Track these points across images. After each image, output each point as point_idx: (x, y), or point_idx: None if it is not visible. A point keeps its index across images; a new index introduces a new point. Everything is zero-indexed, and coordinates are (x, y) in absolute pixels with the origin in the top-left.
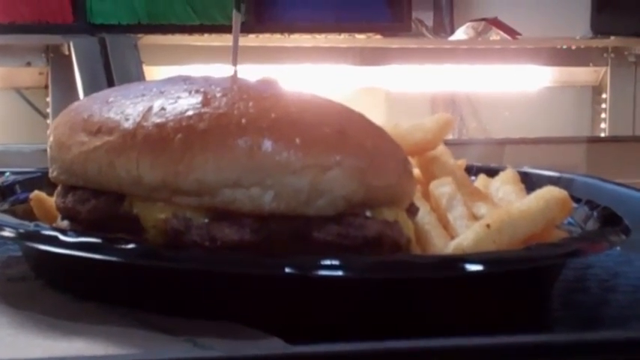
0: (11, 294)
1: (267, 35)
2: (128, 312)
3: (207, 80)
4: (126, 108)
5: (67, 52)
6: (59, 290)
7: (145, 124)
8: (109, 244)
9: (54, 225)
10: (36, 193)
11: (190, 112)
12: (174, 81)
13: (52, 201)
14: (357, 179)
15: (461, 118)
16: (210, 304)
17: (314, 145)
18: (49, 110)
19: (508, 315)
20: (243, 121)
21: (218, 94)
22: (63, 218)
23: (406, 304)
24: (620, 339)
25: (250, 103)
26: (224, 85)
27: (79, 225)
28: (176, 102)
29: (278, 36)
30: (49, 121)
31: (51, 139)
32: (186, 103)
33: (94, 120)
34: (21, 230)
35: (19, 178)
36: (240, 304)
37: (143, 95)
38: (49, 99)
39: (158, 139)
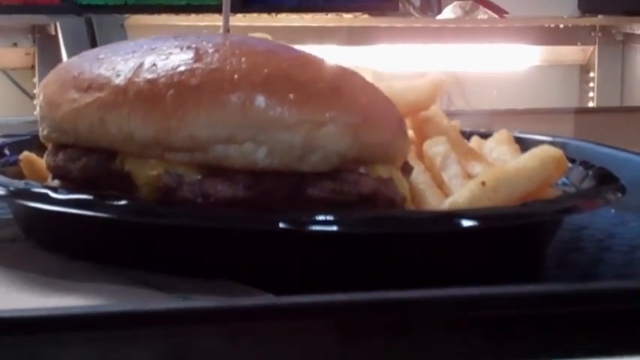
0: (1, 255)
1: (254, 15)
2: (120, 270)
3: (198, 36)
4: (117, 64)
5: (53, 33)
6: (50, 250)
7: (136, 80)
8: (100, 200)
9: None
10: (25, 154)
11: (182, 68)
12: (165, 38)
13: (42, 162)
14: (351, 135)
15: (448, 97)
16: (204, 261)
17: (308, 101)
18: (35, 91)
19: (503, 273)
20: (236, 76)
21: (210, 50)
22: (54, 177)
23: (401, 260)
24: (620, 288)
25: (243, 59)
26: (216, 41)
27: (70, 183)
28: (168, 58)
29: (265, 16)
30: (35, 102)
31: (41, 97)
32: (178, 59)
33: (84, 77)
34: (11, 188)
35: (8, 140)
36: (234, 261)
37: (134, 52)
38: (35, 79)
39: (150, 94)
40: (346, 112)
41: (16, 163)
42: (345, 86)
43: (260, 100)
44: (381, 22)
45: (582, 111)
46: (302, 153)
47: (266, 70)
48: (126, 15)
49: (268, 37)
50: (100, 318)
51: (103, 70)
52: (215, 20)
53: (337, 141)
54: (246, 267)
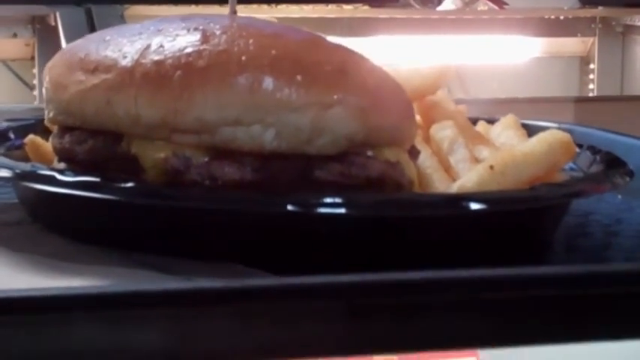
0: (8, 238)
1: (254, 6)
2: (127, 253)
3: (205, 18)
4: (123, 46)
5: (53, 23)
6: (57, 233)
7: (143, 61)
8: (107, 182)
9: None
10: (31, 137)
11: (189, 50)
12: (172, 20)
13: (47, 145)
14: (359, 118)
15: (448, 89)
16: (211, 244)
17: (315, 83)
18: (35, 82)
19: (511, 258)
20: (244, 58)
21: (217, 32)
22: (60, 160)
23: (409, 243)
24: (631, 270)
25: (250, 40)
26: (223, 22)
27: (77, 166)
28: (174, 39)
29: (265, 7)
30: (35, 93)
31: (47, 79)
32: (185, 41)
33: (91, 58)
34: (17, 170)
35: (13, 124)
36: (241, 244)
37: (140, 33)
38: (35, 70)
39: (157, 76)
40: (354, 95)
41: (21, 146)
42: (352, 69)
43: (267, 82)
44: (382, 13)
45: (582, 100)
46: (310, 135)
47: (273, 52)
48: (125, 5)
49: (275, 20)
50: (108, 298)
51: (110, 52)
52: (215, 11)
53: (345, 124)
54: (253, 250)
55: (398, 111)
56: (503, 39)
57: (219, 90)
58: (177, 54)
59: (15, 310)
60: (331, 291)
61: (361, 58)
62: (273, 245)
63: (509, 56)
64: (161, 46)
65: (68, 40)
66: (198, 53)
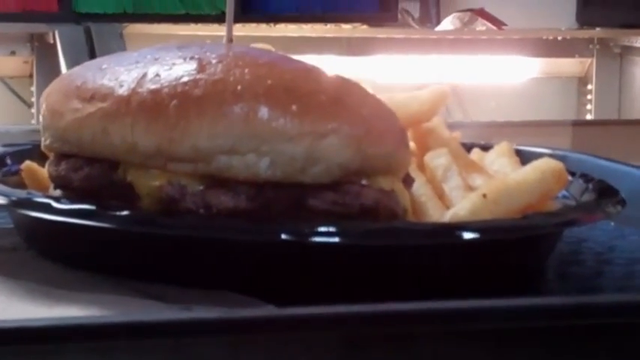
0: (2, 264)
1: (252, 25)
2: (123, 281)
3: (201, 47)
4: (120, 75)
5: (51, 41)
6: (52, 260)
7: (139, 90)
8: (102, 210)
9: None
10: (27, 163)
11: (185, 79)
12: (168, 48)
13: (43, 171)
14: (354, 147)
15: (446, 109)
16: (205, 272)
17: (310, 112)
18: (33, 99)
19: (504, 286)
20: (239, 87)
21: (213, 61)
22: (56, 187)
23: (402, 272)
24: (620, 302)
25: (246, 70)
26: (219, 51)
27: (72, 193)
28: (171, 68)
29: (264, 26)
30: (33, 110)
31: (43, 106)
32: (182, 70)
33: (87, 87)
34: (13, 197)
35: (10, 149)
36: (236, 272)
37: (137, 62)
38: (33, 88)
39: (153, 105)
40: (348, 124)
41: (17, 172)
42: (347, 98)
43: (263, 112)
44: (380, 32)
45: (580, 123)
46: (304, 164)
47: (269, 82)
48: (124, 24)
49: (271, 47)
50: (104, 328)
51: (106, 81)
52: (213, 30)
53: (339, 153)
54: (247, 278)
55: (392, 139)
56: (501, 59)
57: (215, 119)
58: (174, 83)
59: (9, 340)
60: (327, 322)
61: (356, 86)
62: (268, 273)
63: (507, 76)
64: (157, 75)
65: (67, 58)
66: (194, 82)
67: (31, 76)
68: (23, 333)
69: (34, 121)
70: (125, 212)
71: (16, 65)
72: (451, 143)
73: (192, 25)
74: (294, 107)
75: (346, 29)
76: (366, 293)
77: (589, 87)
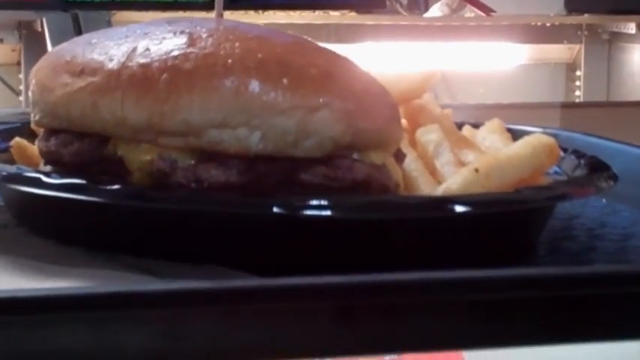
0: None
1: (240, 12)
2: (113, 256)
3: (191, 21)
4: (110, 49)
5: (39, 29)
6: (42, 236)
7: (129, 64)
8: (93, 185)
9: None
10: (17, 140)
11: (176, 53)
12: (158, 23)
13: (33, 148)
14: (345, 121)
15: (435, 95)
16: (196, 246)
17: (301, 86)
18: (21, 87)
19: (495, 260)
20: (230, 61)
21: (204, 35)
22: (46, 163)
23: (394, 246)
24: (614, 272)
25: (236, 44)
26: (209, 26)
27: (63, 168)
28: (161, 42)
29: (252, 13)
30: (21, 98)
31: (33, 82)
32: (172, 44)
33: (77, 61)
34: (3, 172)
35: None
36: (227, 247)
37: (127, 37)
38: (21, 76)
39: (143, 79)
40: (340, 98)
41: (6, 149)
42: (338, 72)
43: (254, 85)
44: (368, 19)
45: (568, 106)
46: (296, 138)
47: (260, 55)
48: (112, 11)
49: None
50: (94, 299)
51: (96, 55)
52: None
53: (331, 126)
54: (239, 252)
55: (384, 114)
56: (490, 46)
57: (206, 93)
58: (164, 57)
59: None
60: (318, 292)
61: (347, 61)
62: (260, 248)
63: (495, 63)
64: (147, 49)
65: (54, 46)
66: (184, 56)
67: (18, 63)
68: (13, 304)
69: (22, 108)
70: (116, 186)
71: (3, 53)
72: (442, 120)
73: (181, 13)
74: (285, 81)
75: (334, 16)
76: (358, 267)
77: (577, 73)
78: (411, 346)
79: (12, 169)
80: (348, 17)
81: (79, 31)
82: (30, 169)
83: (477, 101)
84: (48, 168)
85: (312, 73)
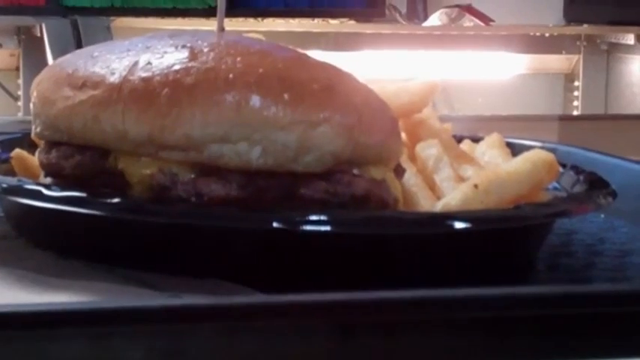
0: None
1: (240, 20)
2: (113, 269)
3: (193, 35)
4: (111, 62)
5: (38, 34)
6: (42, 248)
7: (131, 78)
8: (93, 198)
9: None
10: (17, 151)
11: (177, 67)
12: (160, 36)
13: (34, 159)
14: (345, 136)
15: (433, 104)
16: (196, 260)
17: (302, 101)
18: (20, 92)
19: (494, 276)
20: (231, 76)
21: (205, 49)
22: (46, 175)
23: (393, 261)
24: (611, 291)
25: (238, 58)
26: (211, 40)
27: (63, 181)
28: (163, 57)
29: (251, 20)
30: (19, 103)
31: (34, 94)
32: (173, 58)
33: (78, 74)
34: (4, 185)
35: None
36: (226, 260)
37: (129, 50)
38: (20, 81)
39: (144, 93)
40: (340, 113)
41: (7, 160)
42: (339, 87)
43: (255, 100)
44: (368, 28)
45: (567, 118)
46: (296, 153)
47: (261, 70)
48: (112, 17)
49: (262, 37)
50: (95, 314)
51: (98, 68)
52: (202, 24)
53: (331, 141)
54: (238, 266)
55: (384, 129)
56: (489, 55)
57: (207, 107)
58: (165, 71)
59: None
60: (318, 309)
61: (347, 76)
62: (259, 262)
63: (494, 72)
64: (149, 63)
65: (53, 51)
66: (185, 71)
67: (17, 69)
68: (13, 318)
69: (20, 114)
70: (116, 200)
71: (2, 58)
72: (442, 134)
73: (180, 20)
74: (286, 96)
75: (334, 24)
76: (357, 282)
77: (576, 83)
78: None
79: (12, 181)
80: (348, 26)
81: (78, 37)
82: (30, 181)
83: (475, 110)
84: (48, 180)
85: (313, 88)
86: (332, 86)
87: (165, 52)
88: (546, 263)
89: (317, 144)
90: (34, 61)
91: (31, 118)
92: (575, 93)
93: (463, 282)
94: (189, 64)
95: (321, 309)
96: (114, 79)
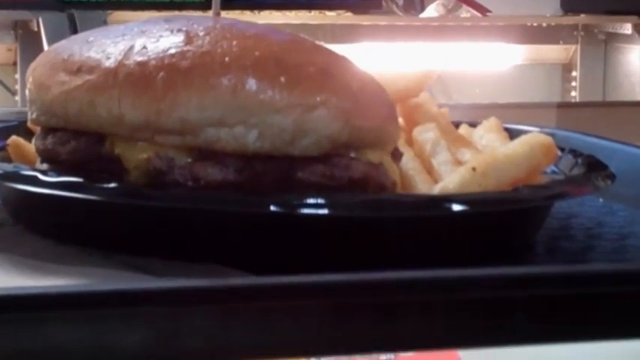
0: None
1: (236, 12)
2: (110, 254)
3: (188, 19)
4: (107, 47)
5: (35, 28)
6: (39, 235)
7: (126, 62)
8: (90, 183)
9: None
10: (13, 138)
11: (173, 51)
12: (155, 21)
13: (30, 146)
14: (342, 119)
15: (431, 95)
16: (193, 244)
17: (299, 84)
18: (17, 87)
19: (492, 259)
20: (227, 59)
21: (201, 33)
22: (42, 161)
23: (391, 244)
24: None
25: (234, 42)
26: (206, 24)
27: (59, 167)
28: (158, 41)
29: (248, 13)
30: (17, 98)
31: (30, 80)
32: (169, 42)
33: (74, 59)
34: (0, 171)
35: None
36: (224, 245)
37: (124, 35)
38: (17, 76)
39: (140, 77)
40: (337, 96)
41: (3, 148)
42: (335, 70)
43: (251, 83)
44: (364, 19)
45: (564, 105)
46: (293, 136)
47: (257, 54)
48: (109, 11)
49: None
50: (93, 297)
51: (93, 53)
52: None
53: (328, 125)
54: (236, 251)
55: (381, 113)
56: (486, 46)
57: (203, 91)
58: (161, 55)
59: None
60: (314, 290)
61: (344, 60)
62: (257, 246)
63: (491, 63)
64: (144, 47)
65: (50, 46)
66: (181, 54)
67: (14, 63)
68: (8, 301)
69: (18, 108)
70: (113, 184)
71: None
72: (439, 118)
73: (177, 13)
74: (282, 79)
75: (330, 16)
76: (355, 265)
77: (573, 74)
78: (408, 345)
79: (9, 167)
80: (344, 17)
81: (74, 31)
82: (27, 167)
83: (473, 102)
84: (45, 166)
85: (310, 71)
86: (328, 69)
87: (161, 36)
88: (545, 246)
89: (314, 127)
90: (32, 55)
91: (27, 108)
92: (573, 83)
93: (461, 265)
94: (185, 48)
95: (317, 290)
96: (109, 63)
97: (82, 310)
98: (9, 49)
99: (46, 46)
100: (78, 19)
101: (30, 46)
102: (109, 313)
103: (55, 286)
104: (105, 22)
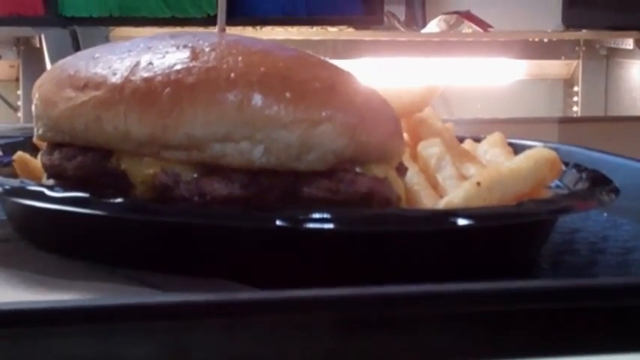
0: None
1: (238, 28)
2: (117, 269)
3: (194, 35)
4: (113, 63)
5: (38, 45)
6: (45, 250)
7: (132, 78)
8: (96, 198)
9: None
10: (19, 154)
11: (179, 67)
12: (161, 37)
13: (36, 162)
14: (348, 134)
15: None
16: (200, 259)
17: (304, 100)
18: (19, 103)
19: (497, 273)
20: (233, 75)
21: (206, 49)
22: (49, 177)
23: (396, 259)
24: (615, 284)
25: (239, 58)
26: (212, 40)
27: (66, 182)
28: (164, 57)
29: (250, 29)
30: (19, 114)
31: (36, 96)
32: (175, 58)
33: (80, 75)
34: (6, 186)
35: (1, 142)
36: (230, 260)
37: (130, 51)
38: (20, 92)
39: (146, 93)
40: (343, 112)
41: (9, 164)
42: (341, 85)
43: (257, 99)
44: (366, 35)
45: (566, 120)
46: (298, 152)
47: (262, 69)
48: (110, 27)
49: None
50: (98, 311)
51: (99, 69)
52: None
53: (333, 140)
54: (242, 265)
55: (386, 128)
56: (488, 61)
57: (209, 106)
58: (167, 71)
59: (3, 323)
60: (320, 305)
61: (349, 75)
62: (263, 261)
63: (493, 78)
64: (150, 63)
65: (53, 62)
66: (187, 70)
67: (17, 80)
68: (16, 316)
69: (20, 124)
70: (119, 200)
71: (2, 69)
72: (444, 133)
73: (179, 29)
74: (288, 94)
75: (332, 32)
76: (360, 280)
77: (575, 89)
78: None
79: (15, 182)
80: (346, 33)
81: (77, 47)
82: (33, 182)
83: (475, 117)
84: (51, 182)
85: (315, 86)
86: (334, 85)
87: (167, 52)
88: (550, 260)
89: (319, 142)
90: (34, 72)
91: (31, 124)
92: (575, 98)
93: (466, 279)
94: (191, 64)
95: (323, 305)
96: (115, 79)
97: (88, 324)
98: (11, 66)
99: (48, 63)
100: (80, 35)
101: (32, 62)
102: (116, 327)
103: (62, 301)
104: (107, 39)
